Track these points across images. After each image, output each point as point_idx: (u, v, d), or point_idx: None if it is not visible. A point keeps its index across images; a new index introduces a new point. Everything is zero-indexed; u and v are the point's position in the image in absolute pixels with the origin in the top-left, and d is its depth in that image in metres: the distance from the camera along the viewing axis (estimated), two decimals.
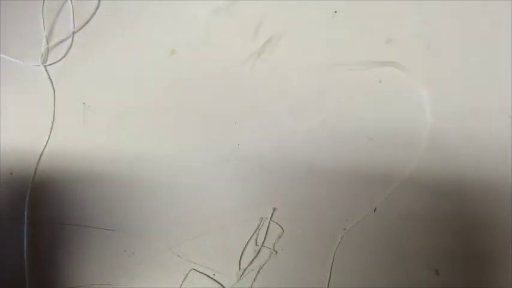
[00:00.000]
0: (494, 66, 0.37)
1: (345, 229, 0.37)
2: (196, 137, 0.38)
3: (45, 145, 0.39)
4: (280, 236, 0.37)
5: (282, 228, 0.37)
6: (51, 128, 0.39)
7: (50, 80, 0.40)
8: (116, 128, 0.39)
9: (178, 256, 0.37)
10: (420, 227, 0.36)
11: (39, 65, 0.40)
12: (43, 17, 0.40)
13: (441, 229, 0.36)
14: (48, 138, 0.39)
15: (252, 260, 0.37)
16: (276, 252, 0.37)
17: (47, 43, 0.40)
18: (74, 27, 0.40)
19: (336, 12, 0.38)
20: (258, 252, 0.37)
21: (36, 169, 0.39)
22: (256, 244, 0.37)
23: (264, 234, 0.37)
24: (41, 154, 0.39)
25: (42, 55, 0.40)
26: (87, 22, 0.40)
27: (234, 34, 0.39)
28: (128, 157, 0.38)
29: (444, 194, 0.36)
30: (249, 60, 0.39)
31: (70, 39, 0.40)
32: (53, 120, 0.39)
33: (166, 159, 0.38)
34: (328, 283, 0.36)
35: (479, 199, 0.36)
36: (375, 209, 0.36)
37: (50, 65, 0.40)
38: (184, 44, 0.39)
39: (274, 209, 0.37)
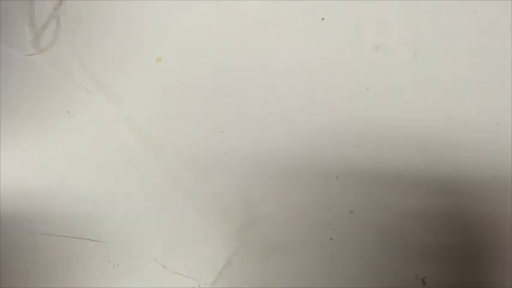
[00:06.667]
0: (482, 73, 0.37)
1: (331, 239, 0.37)
2: (182, 146, 0.38)
3: None
4: (266, 244, 0.37)
5: (268, 237, 0.37)
6: None
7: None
8: (98, 136, 0.39)
9: (164, 267, 0.37)
10: (409, 233, 0.36)
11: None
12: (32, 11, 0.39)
13: (430, 233, 0.36)
14: None
15: (226, 266, 0.37)
16: (262, 260, 0.37)
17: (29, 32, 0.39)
18: (58, 23, 0.39)
19: (323, 19, 0.38)
20: (233, 260, 0.37)
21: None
22: (241, 253, 0.37)
23: (250, 243, 0.37)
24: None
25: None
26: (74, 23, 0.40)
27: (218, 42, 0.39)
28: (112, 165, 0.38)
29: (434, 197, 0.36)
30: (234, 67, 0.38)
31: (53, 36, 0.40)
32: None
33: (151, 168, 0.38)
34: None
35: (470, 200, 0.36)
36: (365, 220, 0.36)
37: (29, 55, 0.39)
38: (169, 52, 0.39)
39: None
